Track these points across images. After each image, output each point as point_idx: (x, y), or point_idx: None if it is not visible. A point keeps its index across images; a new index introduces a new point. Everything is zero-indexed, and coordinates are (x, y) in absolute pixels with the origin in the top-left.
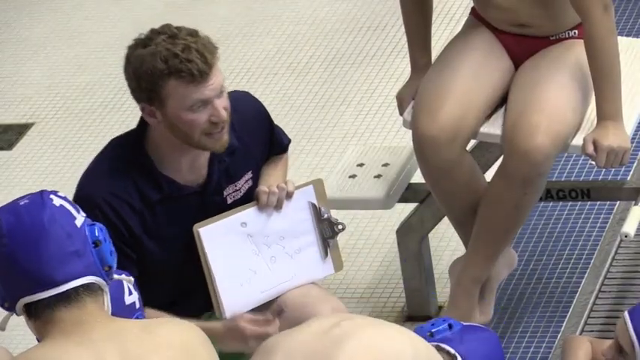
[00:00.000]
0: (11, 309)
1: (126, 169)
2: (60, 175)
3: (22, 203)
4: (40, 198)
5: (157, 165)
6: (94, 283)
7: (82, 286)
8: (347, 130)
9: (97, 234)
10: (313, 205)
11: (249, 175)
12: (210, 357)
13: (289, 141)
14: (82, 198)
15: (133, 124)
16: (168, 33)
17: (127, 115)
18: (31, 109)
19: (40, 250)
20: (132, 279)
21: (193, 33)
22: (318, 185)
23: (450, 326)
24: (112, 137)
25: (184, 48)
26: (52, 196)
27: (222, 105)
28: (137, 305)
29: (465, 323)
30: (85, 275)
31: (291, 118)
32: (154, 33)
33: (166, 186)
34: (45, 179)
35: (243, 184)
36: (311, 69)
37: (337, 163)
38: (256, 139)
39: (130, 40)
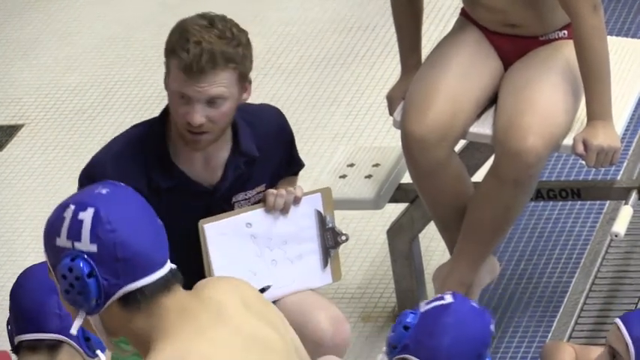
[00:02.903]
0: (99, 307)
1: (140, 152)
2: (50, 176)
3: (103, 192)
4: (114, 185)
5: (172, 156)
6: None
7: (172, 268)
8: (337, 131)
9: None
10: (319, 213)
11: (262, 187)
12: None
13: (303, 165)
14: (89, 172)
15: (123, 124)
16: (209, 20)
17: (117, 116)
18: (20, 111)
19: (144, 232)
20: None
21: (224, 35)
22: (326, 194)
23: (406, 328)
24: (103, 138)
25: (198, 40)
26: (122, 184)
27: (204, 113)
28: None
29: (423, 309)
30: (168, 258)
31: None
32: (205, 15)
33: (177, 176)
34: (35, 180)
35: (255, 194)
36: (301, 69)
37: (328, 164)
38: (276, 155)
39: (120, 41)
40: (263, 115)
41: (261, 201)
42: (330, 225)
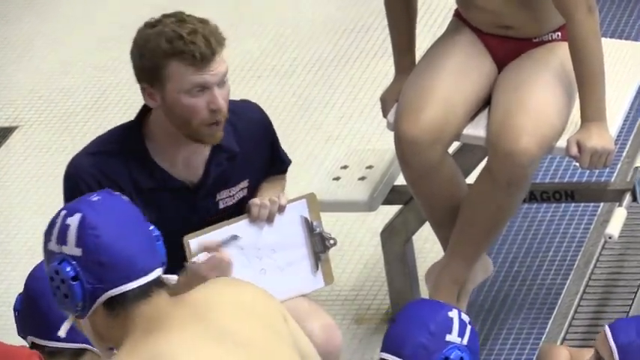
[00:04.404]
0: (85, 310)
1: (120, 152)
2: (44, 178)
3: (94, 199)
4: (108, 194)
5: (152, 155)
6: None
7: (159, 276)
8: (331, 133)
9: (153, 228)
10: (305, 219)
11: (245, 183)
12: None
13: (290, 162)
14: (70, 171)
15: None
16: (178, 17)
17: (110, 118)
18: (14, 113)
19: (130, 240)
20: None
21: (203, 20)
22: (311, 199)
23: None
24: None
25: (191, 31)
26: (117, 193)
27: (222, 95)
28: None
29: None
30: (160, 267)
31: (274, 121)
32: (165, 16)
33: (159, 175)
34: (29, 182)
35: (238, 191)
36: (295, 71)
37: (321, 166)
38: (258, 150)
39: (114, 43)
40: (242, 110)
41: (246, 211)
42: (318, 230)
